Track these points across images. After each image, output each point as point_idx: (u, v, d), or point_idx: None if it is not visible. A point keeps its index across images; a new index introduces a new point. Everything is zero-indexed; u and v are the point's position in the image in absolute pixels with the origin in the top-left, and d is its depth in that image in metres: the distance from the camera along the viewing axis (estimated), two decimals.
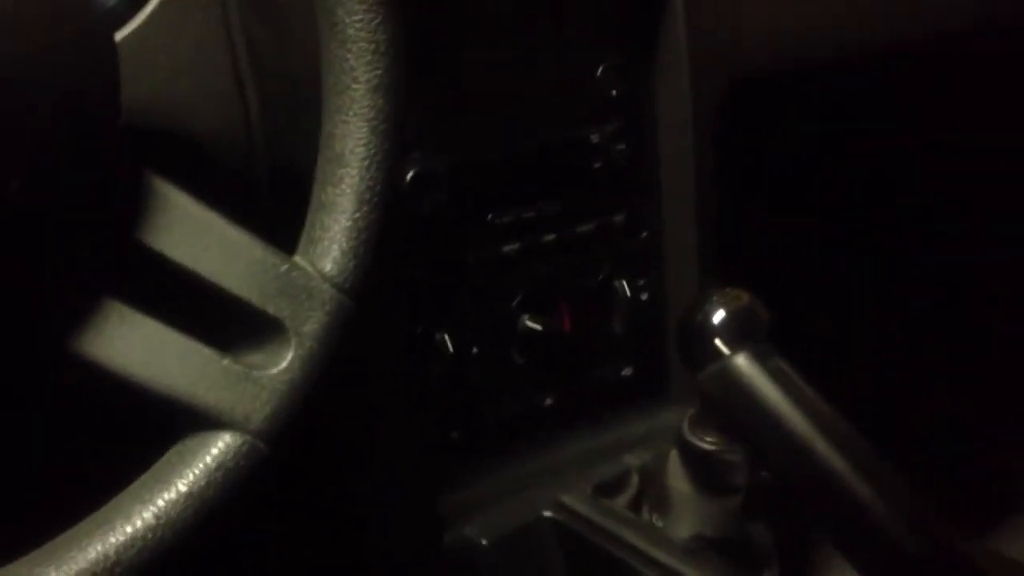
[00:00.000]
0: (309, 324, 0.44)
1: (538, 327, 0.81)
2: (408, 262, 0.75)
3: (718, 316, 0.65)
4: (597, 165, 0.83)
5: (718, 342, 0.62)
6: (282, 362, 0.44)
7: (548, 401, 0.84)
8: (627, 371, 0.88)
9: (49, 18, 0.40)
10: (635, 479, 0.82)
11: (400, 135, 0.46)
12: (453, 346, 0.77)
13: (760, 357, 0.60)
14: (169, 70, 0.56)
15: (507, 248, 0.80)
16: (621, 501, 0.81)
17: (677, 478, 0.78)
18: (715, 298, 0.66)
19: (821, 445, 0.58)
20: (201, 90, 0.58)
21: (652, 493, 0.81)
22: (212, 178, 0.58)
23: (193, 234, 0.43)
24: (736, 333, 0.62)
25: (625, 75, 0.83)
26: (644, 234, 0.88)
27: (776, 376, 0.60)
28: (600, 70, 0.82)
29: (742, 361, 0.60)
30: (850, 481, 0.58)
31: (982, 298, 1.19)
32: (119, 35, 0.53)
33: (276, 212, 0.60)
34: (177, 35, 0.56)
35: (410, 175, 0.73)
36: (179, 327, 0.44)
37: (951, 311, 1.19)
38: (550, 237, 0.82)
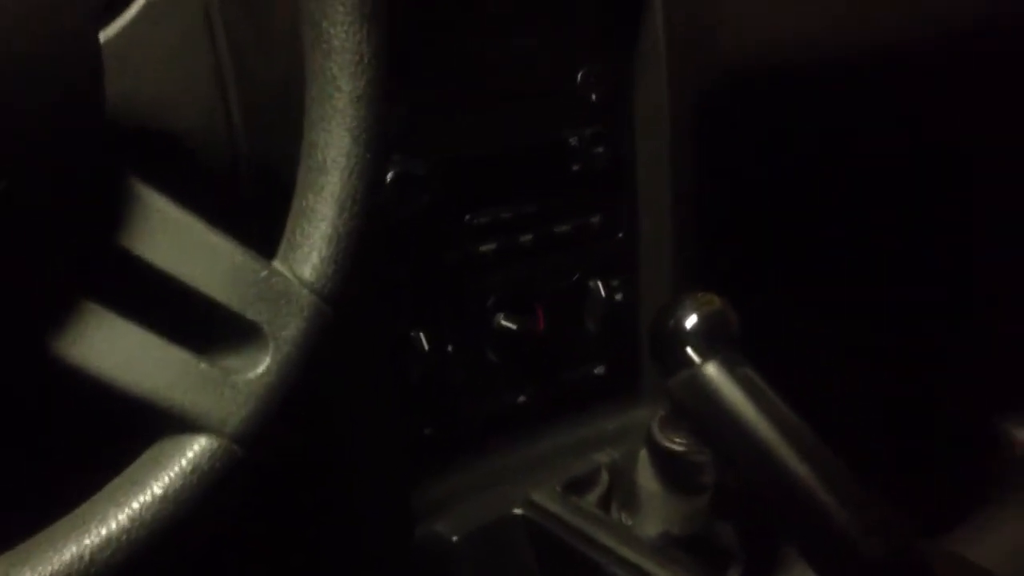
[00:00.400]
0: (287, 329, 0.45)
1: (513, 326, 0.82)
2: (387, 262, 0.76)
3: (690, 321, 0.66)
4: (575, 168, 0.84)
5: (689, 349, 0.63)
6: (260, 366, 0.44)
7: (521, 399, 0.85)
8: (599, 370, 0.89)
9: (34, 17, 0.41)
10: (605, 477, 0.83)
11: (381, 145, 0.46)
12: (429, 345, 0.78)
13: (728, 365, 0.61)
14: (151, 70, 0.57)
15: (484, 248, 0.80)
16: (591, 499, 0.82)
17: (646, 477, 0.79)
18: (687, 303, 0.67)
19: (785, 453, 0.60)
20: (183, 90, 0.59)
21: (621, 491, 0.82)
22: (193, 178, 0.59)
23: (173, 238, 0.44)
24: (706, 339, 0.63)
25: (605, 80, 0.84)
26: (620, 235, 0.89)
27: (743, 384, 0.61)
28: (580, 75, 0.83)
29: (711, 369, 0.61)
30: (813, 489, 0.59)
31: (965, 297, 1.20)
32: (103, 34, 0.53)
33: (257, 213, 0.60)
34: (160, 35, 0.57)
35: (390, 176, 0.73)
36: (157, 330, 0.44)
37: (935, 312, 1.20)
38: (527, 238, 0.83)
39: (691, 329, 0.66)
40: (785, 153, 0.99)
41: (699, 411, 0.63)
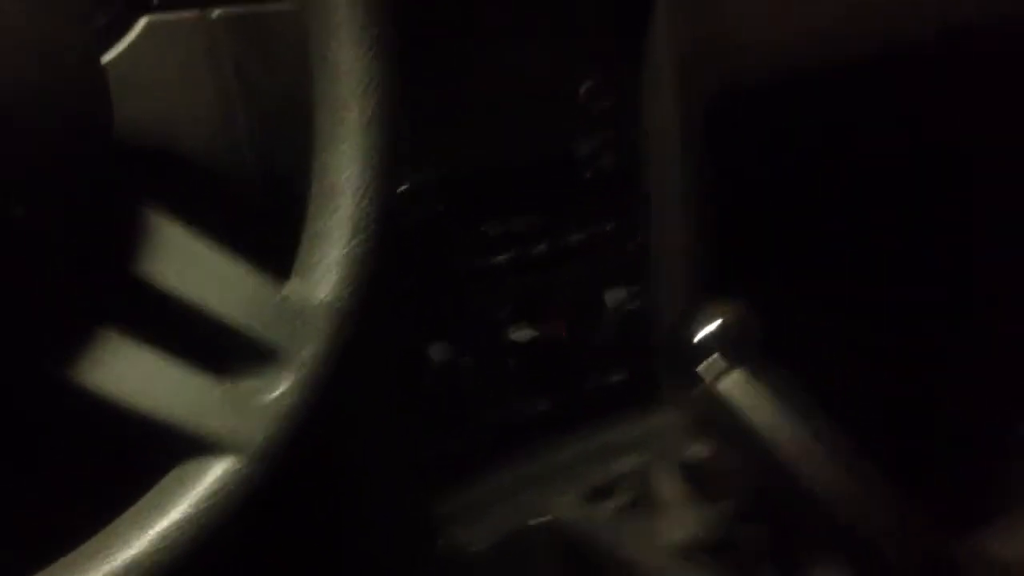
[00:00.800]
0: (305, 350, 0.45)
1: (534, 335, 0.82)
2: (401, 274, 0.76)
3: (706, 331, 0.66)
4: (586, 176, 0.84)
5: (711, 360, 0.63)
6: (279, 388, 0.45)
7: (542, 407, 0.85)
8: (618, 377, 0.89)
9: (37, 44, 0.41)
10: (627, 485, 0.83)
11: (393, 165, 0.46)
12: (445, 356, 0.78)
13: (753, 375, 0.61)
14: (156, 92, 0.57)
15: (498, 259, 0.81)
16: (612, 506, 0.82)
17: (668, 484, 0.79)
18: (704, 313, 0.67)
19: (816, 459, 0.59)
20: (188, 112, 0.59)
21: (644, 499, 0.82)
22: (202, 197, 0.59)
23: (188, 264, 0.44)
24: (728, 349, 0.63)
25: (610, 91, 0.84)
26: (634, 243, 0.89)
27: (767, 395, 0.61)
28: (584, 88, 0.83)
29: (733, 381, 0.61)
30: (845, 493, 0.59)
31: (982, 302, 1.20)
32: (106, 57, 0.54)
33: (268, 230, 0.61)
34: (163, 57, 0.57)
35: (403, 188, 0.74)
36: (175, 353, 0.45)
37: (952, 315, 1.20)
38: (541, 248, 0.83)
39: (708, 338, 0.66)
40: (792, 155, 0.99)
41: (722, 424, 0.62)
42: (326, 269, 0.46)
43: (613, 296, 0.87)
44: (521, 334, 0.82)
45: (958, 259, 1.19)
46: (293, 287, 0.46)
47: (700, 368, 0.64)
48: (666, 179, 0.88)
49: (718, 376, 0.63)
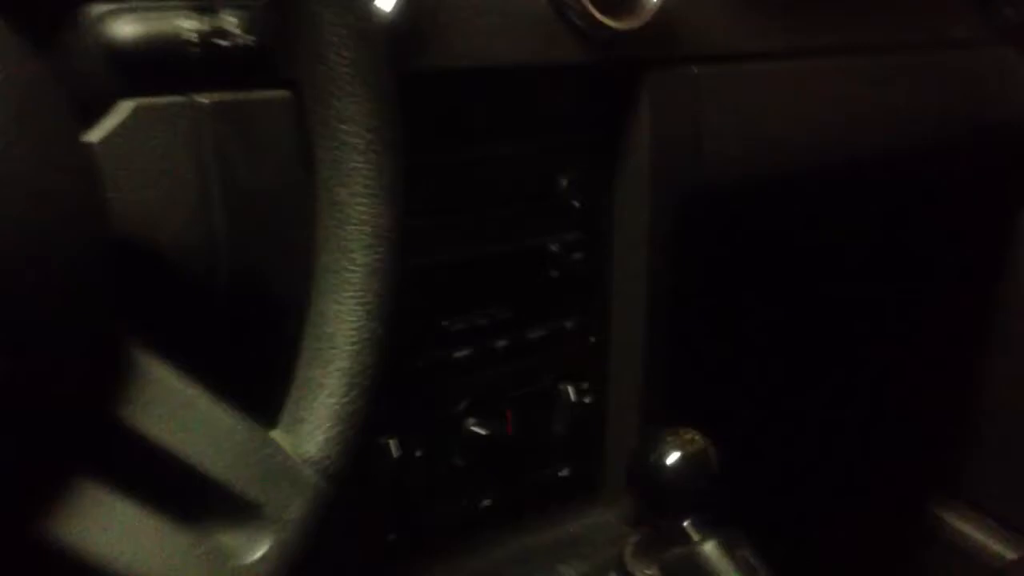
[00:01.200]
0: (289, 511, 0.43)
1: (483, 432, 0.81)
2: None
3: (671, 464, 0.66)
4: (554, 274, 0.83)
5: (687, 525, 0.63)
6: (260, 550, 0.43)
7: (486, 503, 0.84)
8: (564, 472, 0.89)
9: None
10: None
11: (394, 316, 0.45)
12: (398, 450, 0.76)
13: (728, 547, 0.61)
14: (134, 179, 0.54)
15: (458, 354, 0.79)
16: None
17: None
18: (666, 442, 0.67)
19: None
20: (166, 203, 0.56)
21: None
22: (171, 293, 0.57)
23: (175, 413, 0.42)
24: (698, 504, 0.63)
25: (587, 187, 0.84)
26: (592, 339, 0.88)
27: (741, 568, 0.61)
28: (564, 183, 0.82)
29: (710, 550, 0.61)
30: None
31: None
32: (91, 137, 0.51)
33: (234, 329, 0.58)
34: (144, 145, 0.55)
35: None
36: (154, 502, 0.42)
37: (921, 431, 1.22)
38: (501, 343, 0.82)
39: (674, 476, 0.66)
40: (762, 266, 1.00)
41: None
42: (317, 424, 0.44)
43: (567, 391, 0.86)
44: (474, 430, 0.80)
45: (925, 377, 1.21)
46: (280, 438, 0.45)
47: (677, 528, 0.63)
48: (631, 278, 0.88)
49: (697, 543, 0.62)
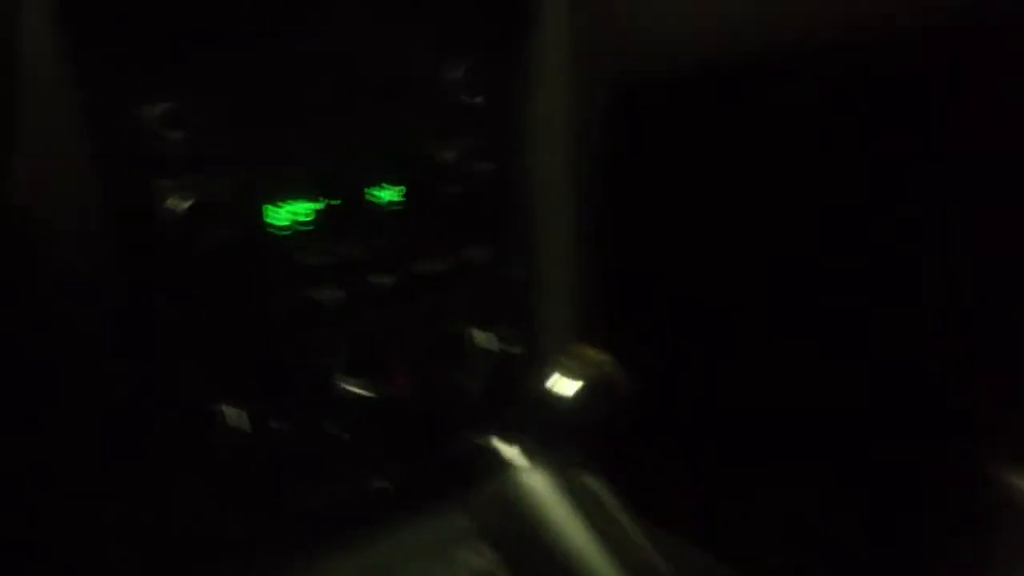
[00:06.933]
0: None
1: (361, 393, 0.63)
2: (182, 311, 0.57)
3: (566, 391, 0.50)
4: (448, 189, 0.66)
5: (499, 444, 0.48)
6: None
7: (378, 483, 0.66)
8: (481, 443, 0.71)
9: None
10: None
11: None
12: (243, 420, 0.59)
13: (555, 471, 0.46)
14: None
15: (324, 295, 0.62)
16: None
17: None
18: (565, 367, 0.52)
19: None
20: None
21: None
22: None
23: None
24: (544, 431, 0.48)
25: (485, 78, 0.66)
26: (511, 274, 0.71)
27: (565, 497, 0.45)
28: (455, 73, 0.65)
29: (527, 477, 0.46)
30: None
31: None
32: None
33: None
34: None
35: (180, 203, 0.55)
36: None
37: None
38: (383, 279, 0.64)
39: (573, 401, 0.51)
40: (703, 169, 0.80)
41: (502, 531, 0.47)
42: None
43: (482, 339, 0.69)
44: (350, 391, 0.63)
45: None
46: None
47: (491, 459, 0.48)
48: (552, 195, 0.70)
49: (511, 475, 0.47)
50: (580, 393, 0.53)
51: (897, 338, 0.88)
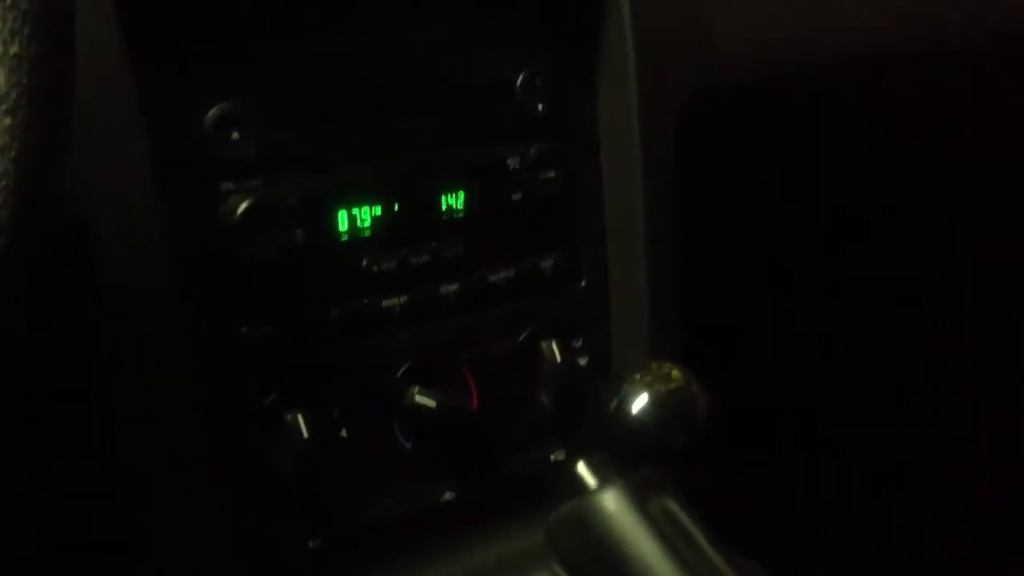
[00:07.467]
0: None
1: (432, 404, 0.62)
2: (247, 319, 0.57)
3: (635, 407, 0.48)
4: (516, 196, 0.65)
5: (582, 469, 0.46)
6: None
7: (447, 497, 0.65)
8: (558, 455, 0.70)
9: None
10: None
11: None
12: (311, 428, 0.58)
13: (635, 496, 0.43)
14: None
15: (389, 302, 0.61)
16: None
17: None
18: (631, 383, 0.49)
19: None
20: None
21: None
22: None
23: None
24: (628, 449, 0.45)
25: (555, 85, 0.65)
26: (581, 284, 0.69)
27: (646, 523, 0.43)
28: (521, 78, 0.64)
29: (607, 502, 0.44)
30: None
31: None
32: None
33: None
34: None
35: (243, 207, 0.55)
36: None
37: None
38: (450, 288, 0.63)
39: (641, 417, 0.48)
40: (780, 181, 0.78)
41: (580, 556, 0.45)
42: None
43: (552, 350, 0.67)
44: (419, 401, 0.62)
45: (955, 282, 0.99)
46: None
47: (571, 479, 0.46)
48: (624, 202, 0.68)
49: (588, 496, 0.45)
50: (656, 412, 0.51)
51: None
